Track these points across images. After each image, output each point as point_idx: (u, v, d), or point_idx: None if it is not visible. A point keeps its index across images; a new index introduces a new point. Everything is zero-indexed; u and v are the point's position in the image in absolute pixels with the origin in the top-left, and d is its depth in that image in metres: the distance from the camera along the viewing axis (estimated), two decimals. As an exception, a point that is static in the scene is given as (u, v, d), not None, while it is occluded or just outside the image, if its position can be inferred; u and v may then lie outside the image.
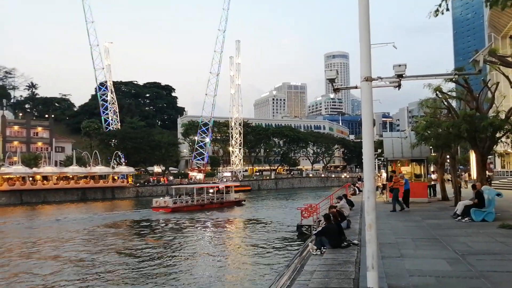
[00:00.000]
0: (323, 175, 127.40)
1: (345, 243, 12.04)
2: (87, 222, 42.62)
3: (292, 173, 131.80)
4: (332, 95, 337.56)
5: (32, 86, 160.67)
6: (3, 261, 24.29)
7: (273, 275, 18.43)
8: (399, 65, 7.62)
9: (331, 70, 8.37)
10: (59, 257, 25.13)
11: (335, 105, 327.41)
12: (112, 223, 41.74)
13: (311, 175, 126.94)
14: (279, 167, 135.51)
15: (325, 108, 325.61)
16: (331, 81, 8.47)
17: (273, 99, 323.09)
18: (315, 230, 16.69)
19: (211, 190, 57.72)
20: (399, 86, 7.62)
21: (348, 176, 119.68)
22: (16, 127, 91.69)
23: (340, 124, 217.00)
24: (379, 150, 39.73)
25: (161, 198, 54.28)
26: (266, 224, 38.91)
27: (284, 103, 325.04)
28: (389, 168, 26.91)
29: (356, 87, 7.17)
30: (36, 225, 41.45)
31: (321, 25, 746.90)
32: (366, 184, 6.66)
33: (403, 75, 7.60)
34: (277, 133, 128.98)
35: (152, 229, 37.85)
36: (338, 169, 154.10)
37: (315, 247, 11.68)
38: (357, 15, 6.40)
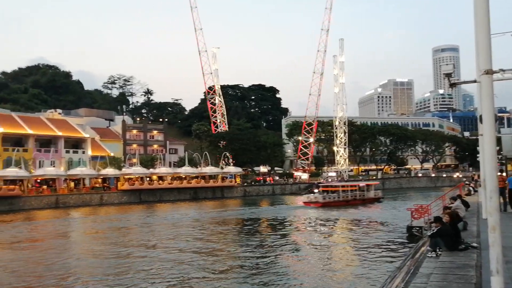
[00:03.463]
0: (433, 175, 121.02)
1: (462, 246, 11.49)
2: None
3: (405, 172, 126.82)
4: (441, 91, 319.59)
5: (148, 92, 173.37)
6: (127, 254, 26.58)
7: (382, 276, 18.05)
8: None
9: (447, 64, 8.10)
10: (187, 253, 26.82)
11: (444, 101, 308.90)
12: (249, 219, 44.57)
13: (420, 174, 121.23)
14: (386, 166, 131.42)
15: (434, 105, 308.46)
16: (448, 75, 8.14)
17: (378, 96, 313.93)
18: (427, 232, 16.09)
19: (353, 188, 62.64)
20: (524, 79, 7.11)
21: (460, 176, 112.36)
22: (134, 131, 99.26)
23: (451, 120, 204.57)
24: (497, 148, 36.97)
25: (311, 194, 60.69)
26: (374, 224, 38.16)
27: (389, 100, 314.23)
28: (509, 167, 25.00)
29: (475, 81, 6.85)
30: (164, 222, 44.59)
31: (428, 16, 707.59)
32: (488, 183, 6.34)
33: (529, 68, 7.09)
34: (383, 131, 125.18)
35: (282, 224, 39.81)
36: (449, 168, 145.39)
37: (431, 249, 11.30)
38: (472, 2, 6.10)
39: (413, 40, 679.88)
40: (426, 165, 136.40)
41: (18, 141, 73.67)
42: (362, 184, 66.16)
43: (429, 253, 11.18)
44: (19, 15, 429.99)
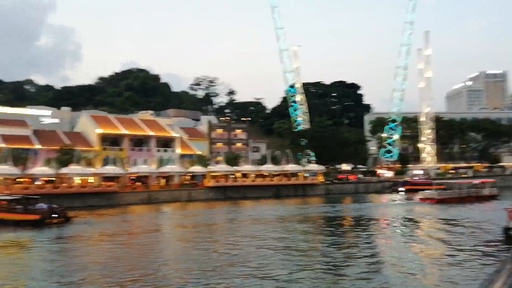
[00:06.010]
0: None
1: None
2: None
3: (501, 170, 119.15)
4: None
5: (231, 92, 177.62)
6: (216, 248, 27.94)
7: (476, 281, 17.63)
8: None
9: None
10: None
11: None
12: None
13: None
14: (477, 164, 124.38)
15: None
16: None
17: (468, 90, 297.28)
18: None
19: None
20: None
21: None
22: (219, 130, 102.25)
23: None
24: None
25: (427, 191, 62.09)
26: (466, 224, 36.59)
27: (480, 93, 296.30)
28: None
29: None
30: (249, 218, 45.98)
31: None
32: None
33: None
34: (474, 127, 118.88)
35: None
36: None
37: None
38: None
39: (505, 29, 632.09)
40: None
41: (114, 141, 79.17)
42: (476, 181, 66.62)
43: (532, 257, 10.91)
44: (116, 24, 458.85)
